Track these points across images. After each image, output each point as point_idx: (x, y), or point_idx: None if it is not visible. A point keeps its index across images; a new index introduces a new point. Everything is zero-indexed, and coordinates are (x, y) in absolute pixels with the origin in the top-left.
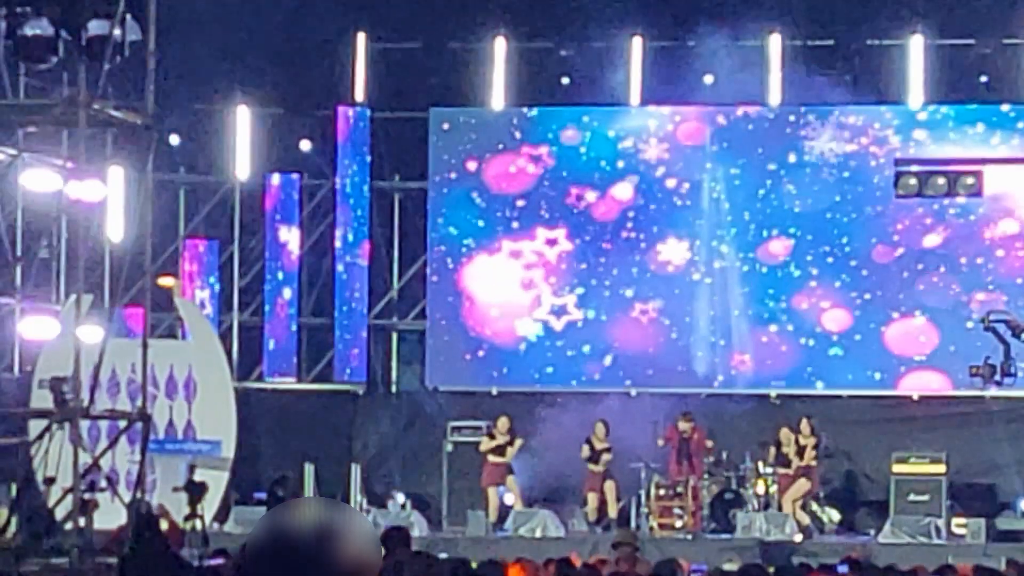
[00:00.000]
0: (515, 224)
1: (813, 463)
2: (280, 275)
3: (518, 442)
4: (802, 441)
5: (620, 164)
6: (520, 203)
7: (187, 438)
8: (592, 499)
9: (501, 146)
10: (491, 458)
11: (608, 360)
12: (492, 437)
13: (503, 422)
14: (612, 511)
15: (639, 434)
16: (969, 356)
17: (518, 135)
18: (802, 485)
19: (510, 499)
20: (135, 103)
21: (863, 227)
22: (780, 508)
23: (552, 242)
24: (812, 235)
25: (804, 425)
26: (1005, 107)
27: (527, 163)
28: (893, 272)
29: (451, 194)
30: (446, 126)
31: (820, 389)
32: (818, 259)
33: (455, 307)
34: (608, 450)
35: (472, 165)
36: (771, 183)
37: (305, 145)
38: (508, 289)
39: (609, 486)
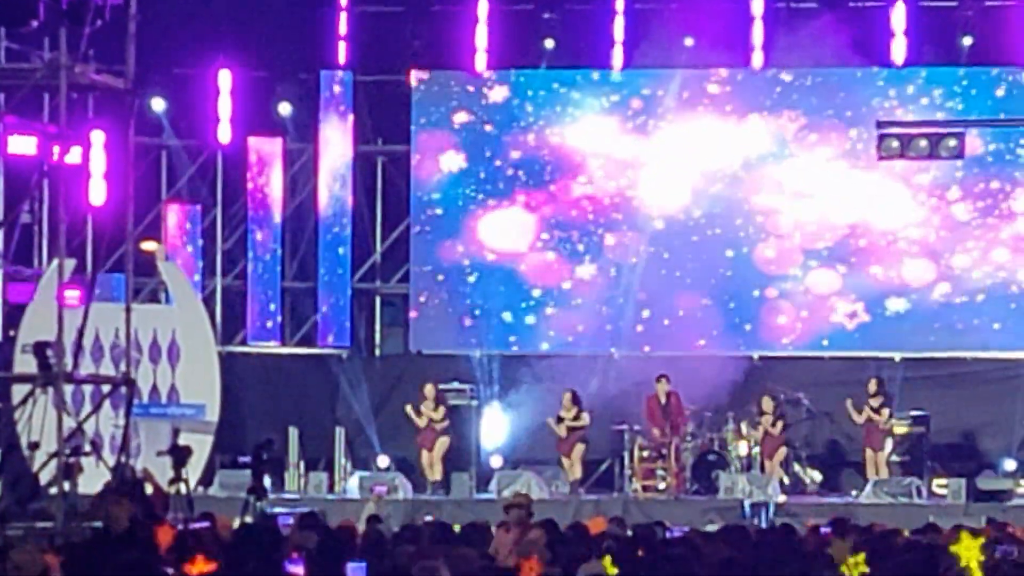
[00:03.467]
0: (499, 187)
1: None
2: (263, 239)
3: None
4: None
5: (604, 127)
6: (504, 166)
7: (171, 402)
8: (567, 462)
9: (484, 109)
10: (421, 420)
11: (592, 322)
12: (419, 413)
13: (429, 389)
14: (577, 471)
15: (621, 397)
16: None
17: (501, 98)
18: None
19: (496, 461)
20: (116, 67)
21: (847, 189)
22: (763, 470)
23: (535, 206)
24: (797, 197)
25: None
26: (988, 69)
27: (510, 126)
28: (877, 234)
29: (434, 157)
30: (429, 89)
31: (803, 351)
32: (803, 221)
33: (438, 271)
34: (576, 417)
35: (455, 128)
36: (755, 146)
37: (284, 109)
38: (491, 252)
39: (578, 449)
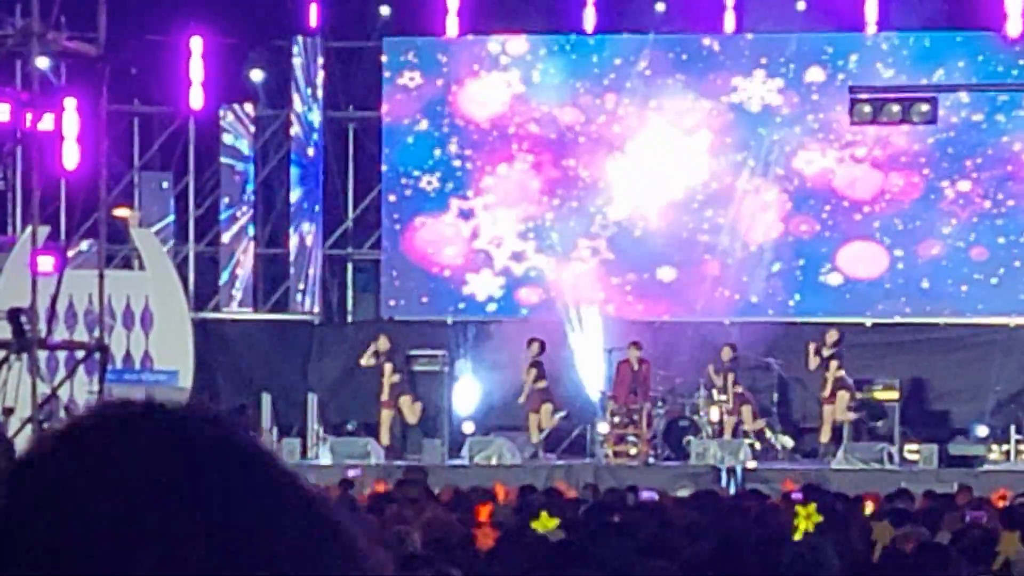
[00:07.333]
0: (472, 152)
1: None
2: (235, 206)
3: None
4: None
5: (576, 94)
6: (477, 132)
7: (144, 368)
8: (534, 420)
9: (455, 75)
10: (388, 379)
11: (563, 289)
12: (376, 355)
13: (383, 342)
14: (544, 429)
15: (593, 362)
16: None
17: (474, 65)
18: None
19: (469, 427)
20: (88, 34)
21: (819, 154)
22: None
23: (508, 171)
24: (772, 161)
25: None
26: (962, 33)
27: (482, 92)
28: (850, 199)
29: (405, 124)
30: (400, 55)
31: (774, 316)
32: (778, 185)
33: (409, 237)
34: (535, 364)
35: (426, 93)
36: (729, 111)
37: (256, 75)
38: (465, 218)
39: (546, 408)
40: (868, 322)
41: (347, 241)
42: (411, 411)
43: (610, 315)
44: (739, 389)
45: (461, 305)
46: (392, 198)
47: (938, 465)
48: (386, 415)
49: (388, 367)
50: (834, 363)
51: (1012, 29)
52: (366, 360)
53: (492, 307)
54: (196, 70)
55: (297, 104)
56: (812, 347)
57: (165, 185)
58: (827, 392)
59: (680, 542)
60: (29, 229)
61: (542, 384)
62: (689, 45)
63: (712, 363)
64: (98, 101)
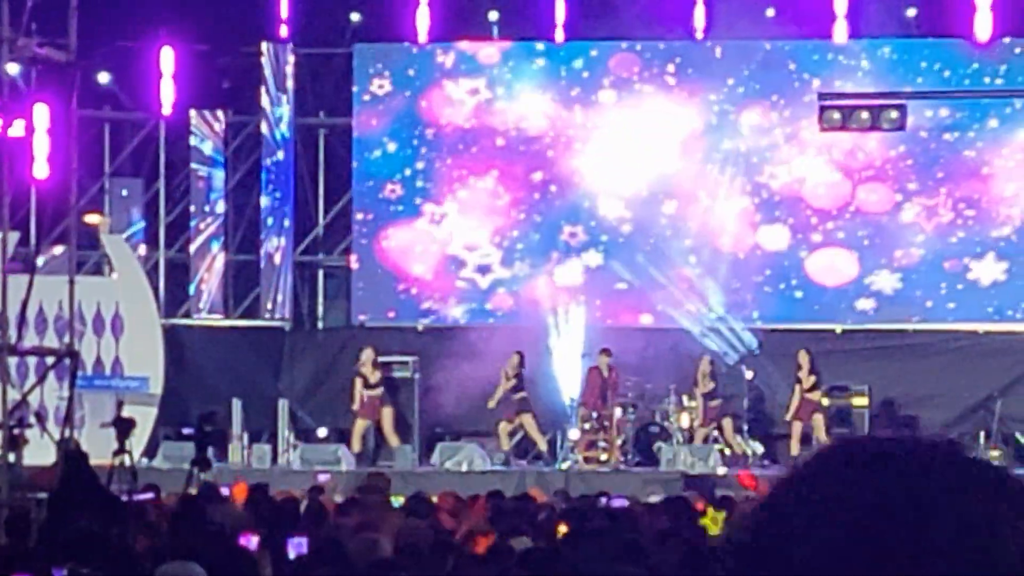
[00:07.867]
0: (440, 160)
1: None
2: (205, 212)
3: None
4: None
5: (545, 103)
6: (445, 143)
7: (115, 374)
8: (504, 428)
9: (425, 83)
10: (365, 392)
11: (537, 294)
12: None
13: (367, 353)
14: (541, 445)
15: (568, 369)
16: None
17: (443, 73)
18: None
19: (439, 433)
20: (59, 40)
21: (787, 164)
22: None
23: (478, 178)
24: (739, 170)
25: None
26: (932, 41)
27: (454, 99)
28: (816, 208)
29: (374, 134)
30: (370, 62)
31: (744, 325)
32: (744, 193)
33: (378, 249)
34: (518, 376)
35: (396, 101)
36: (698, 121)
37: (226, 81)
38: (436, 224)
39: (527, 419)
40: (838, 329)
41: (317, 247)
42: (389, 422)
43: (581, 322)
44: (716, 403)
45: (433, 310)
46: (360, 213)
47: None
48: (360, 424)
49: (375, 376)
50: (812, 379)
51: (981, 34)
52: (370, 371)
53: (462, 312)
54: (167, 76)
55: (267, 110)
56: (795, 385)
57: (132, 192)
58: (806, 411)
59: (650, 548)
60: None
61: (520, 395)
62: (659, 54)
63: (696, 371)
64: (68, 107)
